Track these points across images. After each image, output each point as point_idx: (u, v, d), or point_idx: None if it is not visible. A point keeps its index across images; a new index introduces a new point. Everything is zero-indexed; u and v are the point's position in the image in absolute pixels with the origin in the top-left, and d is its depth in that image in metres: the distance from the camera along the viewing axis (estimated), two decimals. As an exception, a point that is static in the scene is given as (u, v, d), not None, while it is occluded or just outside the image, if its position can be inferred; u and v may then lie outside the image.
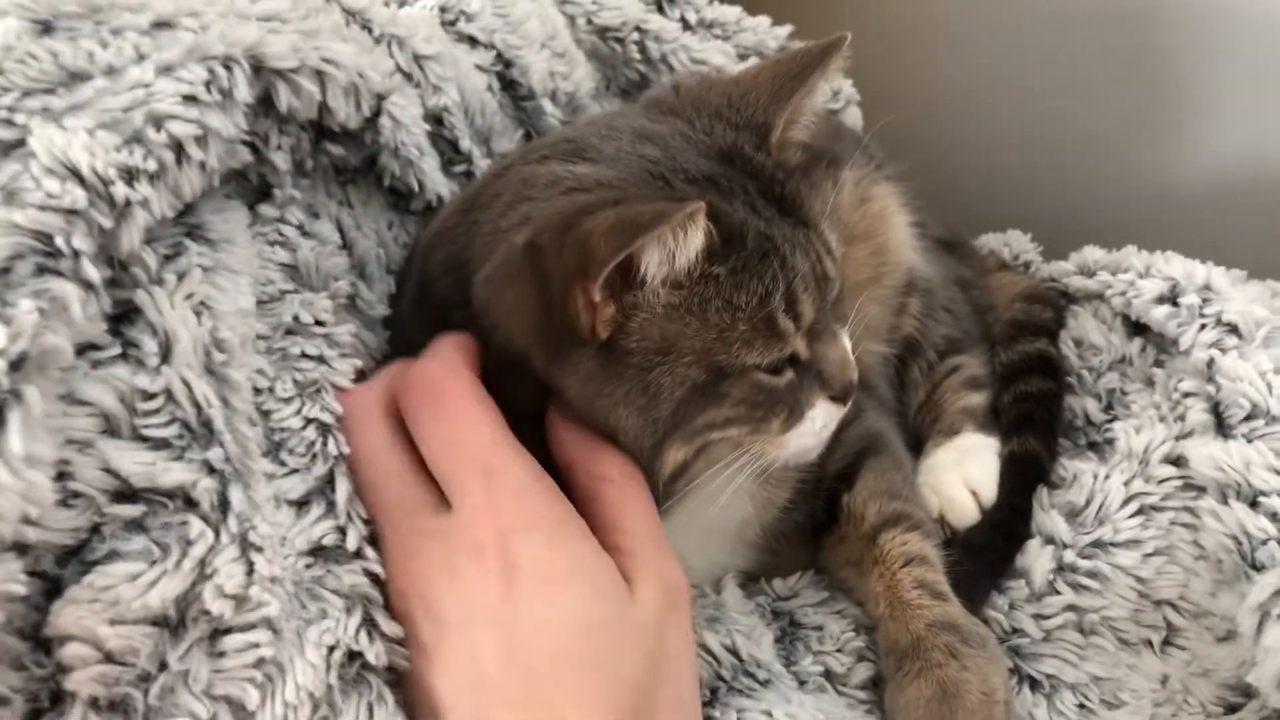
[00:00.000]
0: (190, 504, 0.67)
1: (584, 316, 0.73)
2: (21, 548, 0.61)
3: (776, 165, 0.83)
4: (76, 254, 0.63)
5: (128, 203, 0.66)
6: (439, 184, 1.13)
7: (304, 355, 0.81)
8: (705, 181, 0.79)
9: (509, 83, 1.27)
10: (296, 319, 0.83)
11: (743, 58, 1.45)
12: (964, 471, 1.07)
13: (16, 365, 0.59)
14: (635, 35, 1.38)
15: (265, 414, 0.76)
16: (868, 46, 1.63)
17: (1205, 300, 1.06)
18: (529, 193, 0.81)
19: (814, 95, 0.86)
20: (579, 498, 0.77)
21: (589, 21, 1.38)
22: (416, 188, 1.10)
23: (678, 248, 0.72)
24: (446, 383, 0.76)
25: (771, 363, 0.78)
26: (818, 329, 0.82)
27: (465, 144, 1.18)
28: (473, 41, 1.25)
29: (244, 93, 0.77)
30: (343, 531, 0.75)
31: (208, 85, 0.74)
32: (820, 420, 0.84)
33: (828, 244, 0.83)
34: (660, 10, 1.44)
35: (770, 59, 1.00)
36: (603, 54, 1.40)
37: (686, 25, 1.44)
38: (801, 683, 0.91)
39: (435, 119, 1.14)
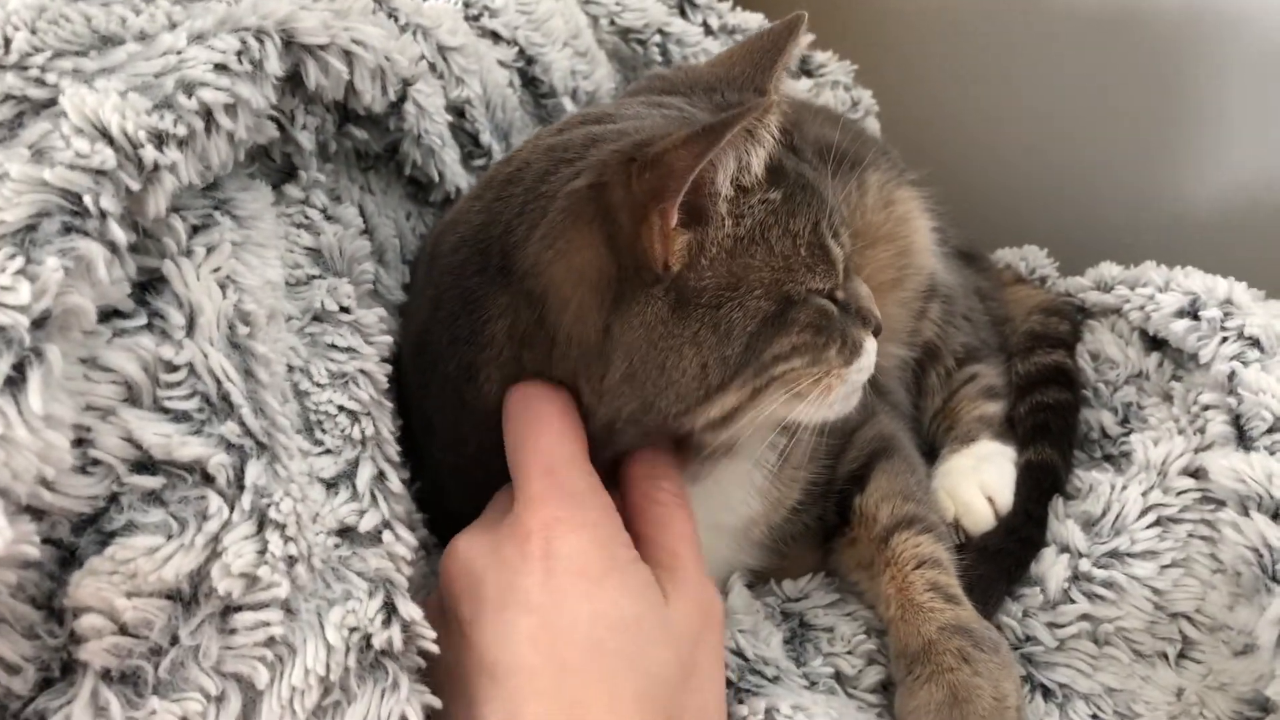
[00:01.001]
0: (208, 479, 0.67)
1: (658, 247, 0.73)
2: (37, 512, 0.61)
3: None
4: (104, 215, 0.63)
5: (156, 166, 0.66)
6: (458, 176, 1.13)
7: (334, 346, 0.80)
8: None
9: (530, 79, 1.27)
10: (323, 305, 0.82)
11: (763, 64, 1.45)
12: (980, 477, 1.06)
13: (39, 323, 0.59)
14: (657, 38, 1.39)
15: (302, 393, 0.76)
16: (889, 60, 1.66)
17: (1227, 314, 1.05)
18: (566, 155, 0.80)
19: (790, 62, 0.95)
20: (629, 514, 0.78)
21: (612, 22, 1.38)
22: (436, 178, 1.10)
23: (750, 155, 0.75)
24: (541, 395, 0.77)
25: (829, 288, 0.81)
26: (849, 269, 0.85)
27: (485, 138, 1.17)
28: (495, 37, 1.25)
29: (274, 65, 0.77)
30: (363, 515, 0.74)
31: (239, 55, 0.74)
32: (868, 353, 0.86)
33: (833, 189, 0.86)
34: (683, 14, 1.44)
35: (736, 45, 1.03)
36: (624, 55, 1.40)
37: (708, 30, 1.44)
38: (812, 683, 0.90)
39: (457, 111, 1.14)
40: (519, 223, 0.78)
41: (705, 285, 0.75)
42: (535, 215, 0.77)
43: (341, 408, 0.77)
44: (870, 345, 0.86)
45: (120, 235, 0.63)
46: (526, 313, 0.77)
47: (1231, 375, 1.00)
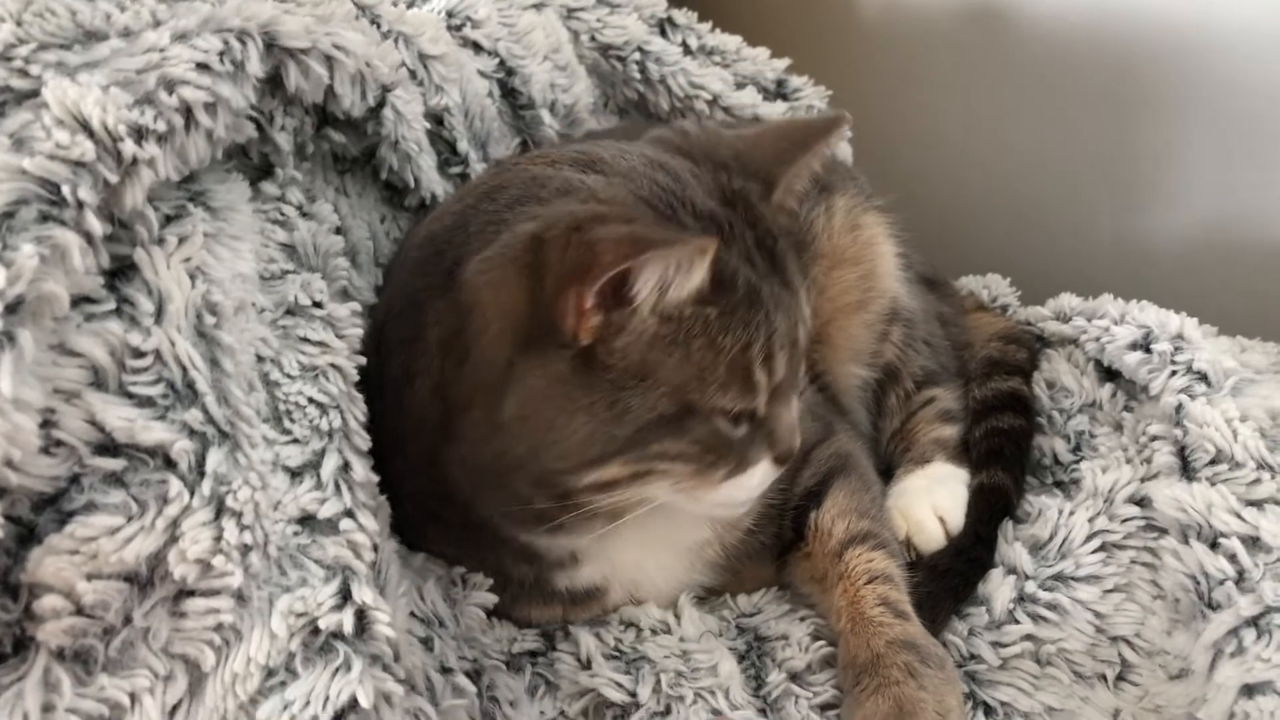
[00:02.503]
0: (169, 463, 0.68)
1: (570, 319, 0.74)
2: (1, 490, 0.62)
3: (773, 222, 0.85)
4: (81, 205, 0.64)
5: (135, 160, 0.68)
6: (434, 182, 1.15)
7: (305, 339, 0.82)
8: (709, 220, 0.81)
9: (510, 90, 1.29)
10: (296, 300, 0.84)
11: (740, 86, 1.47)
12: (933, 498, 1.08)
13: (13, 308, 0.60)
14: (637, 55, 1.41)
15: (272, 383, 0.78)
16: (863, 87, 1.69)
17: (1177, 348, 1.08)
18: (539, 192, 0.82)
19: (814, 162, 0.90)
20: None
21: (593, 38, 1.40)
22: (412, 184, 1.12)
23: (677, 278, 0.74)
24: None
25: (738, 411, 0.80)
26: (780, 390, 0.83)
27: (463, 146, 1.20)
28: (477, 48, 1.27)
29: (255, 67, 0.79)
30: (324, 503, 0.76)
31: (221, 56, 0.76)
32: (759, 477, 0.85)
33: (804, 312, 0.85)
34: (663, 33, 1.46)
35: (775, 123, 1.04)
36: (603, 71, 1.42)
37: (687, 50, 1.47)
38: (767, 705, 0.92)
39: (436, 119, 1.16)
40: (476, 238, 0.81)
41: (613, 365, 0.76)
42: (489, 236, 0.79)
43: (311, 399, 0.78)
44: (762, 472, 0.85)
45: (97, 226, 0.65)
46: (453, 321, 0.79)
47: (1179, 408, 1.02)
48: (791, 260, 0.85)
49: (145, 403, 0.68)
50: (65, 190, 0.64)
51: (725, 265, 0.77)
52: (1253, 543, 0.90)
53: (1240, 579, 0.88)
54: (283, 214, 0.88)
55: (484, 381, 0.79)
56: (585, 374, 0.76)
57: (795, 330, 0.83)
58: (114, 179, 0.66)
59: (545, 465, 0.79)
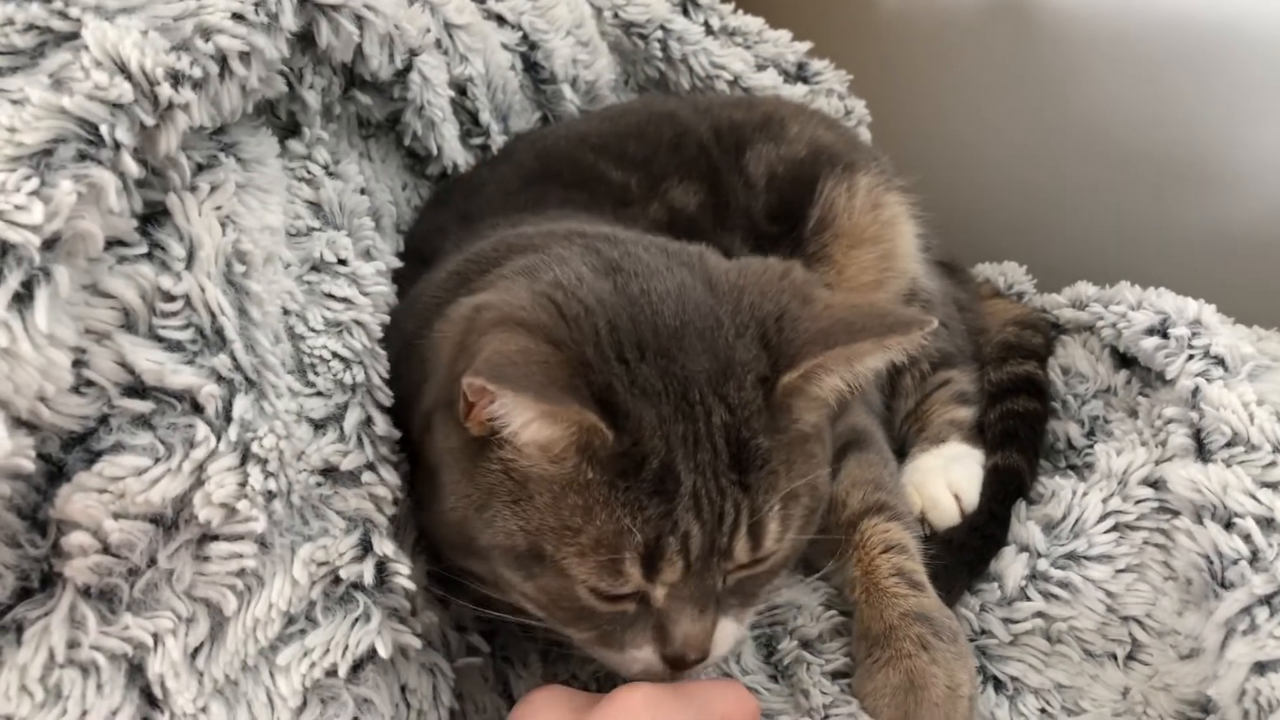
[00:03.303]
0: (197, 408, 0.69)
1: (462, 403, 0.72)
2: (31, 427, 0.63)
3: (768, 410, 0.74)
4: (118, 146, 0.65)
5: (170, 105, 0.68)
6: (456, 151, 1.15)
7: (330, 295, 0.83)
8: (676, 383, 0.71)
9: (532, 65, 1.30)
10: (321, 256, 0.85)
11: (761, 68, 1.48)
12: (949, 476, 1.09)
13: (50, 245, 0.61)
14: (659, 33, 1.41)
15: (297, 336, 0.78)
16: (883, 72, 1.69)
17: (1195, 333, 1.08)
18: (538, 268, 0.80)
19: (858, 360, 0.75)
20: None
21: (616, 15, 1.41)
22: (435, 151, 1.13)
23: (529, 424, 0.68)
24: None
25: (600, 589, 0.72)
26: (683, 593, 0.72)
27: (485, 117, 1.20)
28: (500, 20, 1.28)
29: (289, 20, 0.79)
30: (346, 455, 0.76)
31: (256, 7, 0.77)
32: (637, 666, 0.76)
33: (759, 524, 0.73)
34: (685, 13, 1.47)
35: (859, 301, 0.97)
36: (625, 48, 1.43)
37: (709, 30, 1.47)
38: (778, 671, 0.92)
39: (459, 88, 1.17)
40: (476, 281, 0.84)
41: (491, 470, 0.73)
42: (478, 288, 0.82)
43: (335, 354, 0.79)
44: (643, 661, 0.75)
45: (133, 167, 0.66)
46: (425, 349, 0.82)
47: (1195, 391, 1.02)
48: (774, 463, 0.73)
49: (174, 347, 0.69)
50: (104, 130, 0.64)
51: (643, 443, 0.69)
52: (1267, 523, 0.90)
53: (1254, 559, 0.88)
54: (309, 172, 0.89)
55: (420, 419, 0.81)
56: (472, 461, 0.74)
57: (725, 540, 0.72)
58: (150, 122, 0.67)
59: (435, 523, 0.80)
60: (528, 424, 0.68)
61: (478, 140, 1.21)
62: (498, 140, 1.22)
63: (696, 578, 0.72)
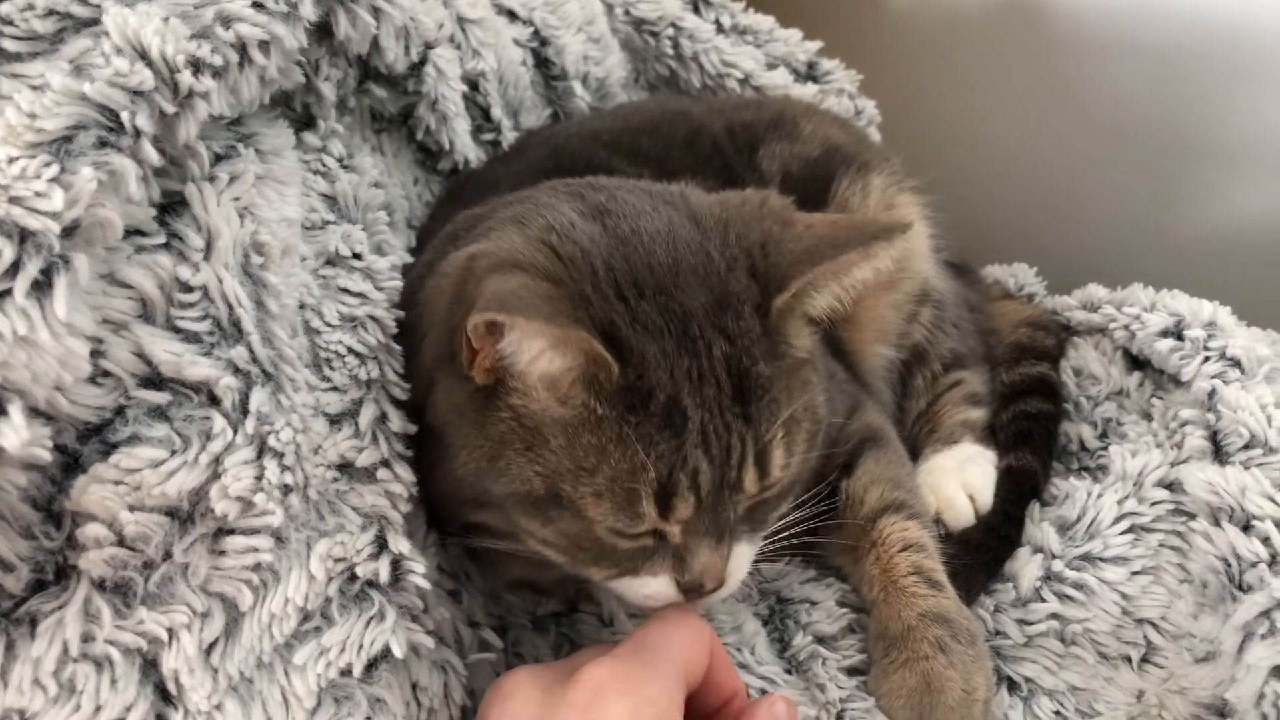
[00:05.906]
0: (214, 400, 0.68)
1: (465, 352, 0.72)
2: (48, 417, 0.62)
3: (765, 337, 0.75)
4: (138, 133, 0.64)
5: (191, 93, 0.68)
6: (467, 147, 1.15)
7: (345, 290, 0.82)
8: (676, 320, 0.72)
9: (543, 61, 1.29)
10: (336, 250, 0.84)
11: (771, 66, 1.48)
12: (963, 476, 1.08)
13: (69, 232, 0.60)
14: (670, 31, 1.41)
15: (313, 330, 0.78)
16: (891, 74, 1.68)
17: (1210, 335, 1.08)
18: (529, 216, 0.79)
19: (845, 273, 0.76)
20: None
21: (627, 12, 1.40)
22: (447, 146, 1.12)
23: (539, 356, 0.69)
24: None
25: (618, 528, 0.72)
26: (698, 528, 0.73)
27: (496, 112, 1.20)
28: (512, 15, 1.28)
29: (308, 10, 0.79)
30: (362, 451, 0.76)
31: (276, -4, 0.76)
32: (651, 590, 0.76)
33: (764, 452, 0.74)
34: (696, 10, 1.47)
35: (835, 216, 0.96)
36: (636, 46, 1.42)
37: (720, 28, 1.47)
38: (793, 665, 0.92)
39: (471, 83, 1.16)
40: (464, 236, 0.83)
41: (504, 419, 0.72)
42: (447, 241, 0.83)
43: (350, 349, 0.78)
44: (658, 585, 0.76)
45: (153, 155, 0.65)
46: (415, 313, 0.83)
47: (1212, 393, 1.02)
48: (774, 392, 0.74)
49: (192, 338, 0.68)
50: (124, 117, 0.63)
51: (649, 375, 0.70)
52: (1286, 526, 0.90)
53: (1273, 561, 0.88)
54: (324, 165, 0.88)
55: (421, 381, 0.80)
56: (480, 413, 0.74)
57: (734, 473, 0.73)
58: (170, 110, 0.66)
59: (443, 482, 0.79)
60: (537, 357, 0.69)
61: (489, 136, 1.20)
62: (508, 136, 1.22)
63: (710, 512, 0.73)
